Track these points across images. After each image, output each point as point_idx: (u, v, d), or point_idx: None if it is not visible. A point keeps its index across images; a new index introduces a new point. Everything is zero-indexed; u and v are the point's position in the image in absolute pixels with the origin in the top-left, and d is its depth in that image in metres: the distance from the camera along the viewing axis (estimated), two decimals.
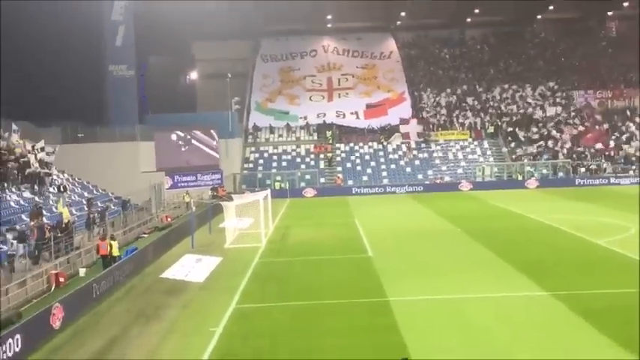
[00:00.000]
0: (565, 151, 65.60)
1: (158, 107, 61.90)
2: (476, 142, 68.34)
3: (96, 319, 20.28)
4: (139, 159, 49.54)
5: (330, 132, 69.77)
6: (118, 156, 47.20)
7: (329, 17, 74.24)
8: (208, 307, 20.97)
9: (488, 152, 67.28)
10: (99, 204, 37.48)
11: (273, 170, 65.36)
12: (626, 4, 75.75)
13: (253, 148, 69.05)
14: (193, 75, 76.14)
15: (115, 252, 26.80)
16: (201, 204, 46.08)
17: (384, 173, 64.82)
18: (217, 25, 66.43)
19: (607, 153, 64.88)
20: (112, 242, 27.21)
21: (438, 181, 62.36)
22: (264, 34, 76.82)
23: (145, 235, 36.71)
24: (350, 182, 63.49)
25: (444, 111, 72.61)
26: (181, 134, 53.28)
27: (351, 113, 71.28)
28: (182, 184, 49.76)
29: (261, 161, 67.35)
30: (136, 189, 44.76)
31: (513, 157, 65.90)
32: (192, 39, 74.02)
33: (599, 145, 65.83)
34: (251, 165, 66.83)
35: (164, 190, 48.82)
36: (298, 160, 67.28)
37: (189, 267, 26.88)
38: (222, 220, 36.13)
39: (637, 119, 69.33)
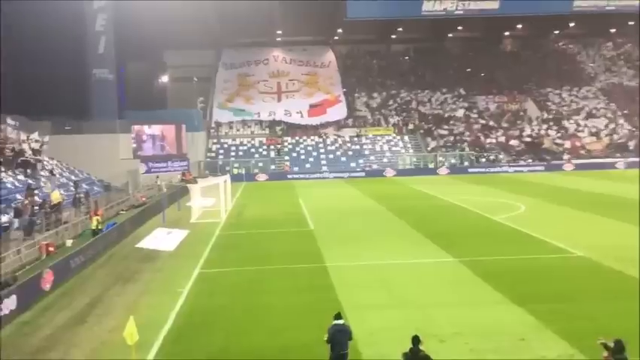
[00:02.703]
0: (469, 144, 66.62)
1: (135, 104, 60.72)
2: (399, 137, 68.92)
3: (81, 282, 19.93)
4: (119, 148, 48.57)
5: (280, 127, 69.67)
6: (101, 146, 46.17)
7: (279, 32, 73.83)
8: (177, 272, 20.78)
9: (409, 145, 67.92)
10: (84, 186, 36.77)
11: (232, 158, 64.90)
12: (519, 25, 77.08)
13: (215, 140, 68.45)
14: (165, 78, 74.89)
15: (94, 225, 26.46)
16: (171, 186, 45.55)
17: (324, 162, 64.93)
18: (186, 37, 65.62)
19: (502, 146, 66.08)
20: (96, 217, 26.79)
21: (367, 169, 62.77)
22: (225, 45, 76.02)
23: (124, 212, 36.16)
24: (296, 169, 63.43)
25: (373, 111, 73.05)
26: (155, 127, 52.45)
27: (297, 112, 71.10)
28: (155, 170, 49.08)
29: (221, 151, 66.83)
30: (116, 173, 44.08)
31: (428, 149, 66.67)
32: (164, 48, 72.84)
33: (495, 140, 67.02)
34: (213, 154, 66.24)
35: (140, 174, 48.12)
36: (252, 150, 66.98)
37: (160, 238, 26.42)
38: (189, 200, 35.77)
39: (526, 119, 70.84)
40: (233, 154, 66.30)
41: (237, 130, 70.47)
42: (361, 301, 16.58)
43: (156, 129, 52.76)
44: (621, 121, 69.75)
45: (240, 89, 73.61)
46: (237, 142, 68.46)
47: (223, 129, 70.21)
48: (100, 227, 26.53)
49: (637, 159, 61.64)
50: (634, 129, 67.39)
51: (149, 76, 73.00)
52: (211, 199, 35.32)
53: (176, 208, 37.46)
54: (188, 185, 39.60)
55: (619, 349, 9.47)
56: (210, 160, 64.72)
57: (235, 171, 60.95)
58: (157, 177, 48.38)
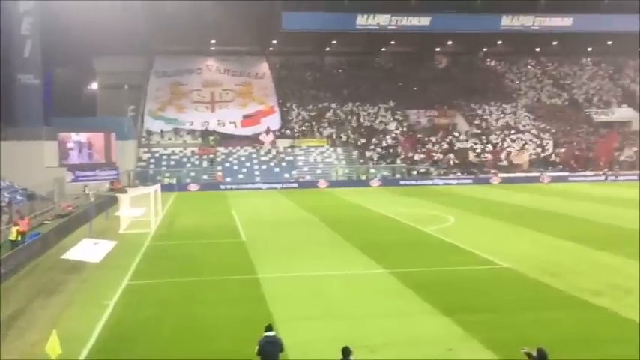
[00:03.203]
0: (401, 157, 67.75)
1: (62, 111, 59.01)
2: (332, 149, 69.47)
3: (2, 294, 19.15)
4: (44, 156, 47.10)
5: (213, 137, 69.10)
6: (25, 153, 44.61)
7: (213, 41, 73.39)
8: (104, 283, 20.24)
9: (342, 157, 68.54)
10: (6, 194, 35.43)
11: (163, 168, 63.88)
12: (449, 42, 79.16)
13: (146, 149, 67.23)
14: (94, 85, 73.12)
15: (13, 236, 25.52)
16: (99, 195, 44.41)
17: (257, 173, 64.72)
18: (116, 43, 64.21)
19: (433, 159, 67.51)
20: (15, 227, 25.85)
21: (300, 180, 62.92)
22: (157, 52, 74.95)
23: (48, 222, 34.99)
24: (228, 179, 62.95)
25: (307, 122, 73.40)
26: (82, 135, 51.13)
27: (230, 122, 70.72)
28: (82, 179, 47.88)
29: (152, 160, 65.70)
30: (41, 182, 42.66)
31: (361, 161, 67.44)
32: (93, 53, 71.01)
33: (425, 154, 68.40)
34: (144, 163, 65.03)
35: (66, 183, 46.76)
36: (184, 160, 66.12)
37: (87, 249, 25.66)
38: (118, 210, 34.96)
39: (456, 134, 72.67)
40: (164, 163, 65.26)
41: (169, 140, 69.45)
42: (293, 312, 16.56)
43: (84, 137, 51.50)
44: (545, 136, 72.44)
45: (173, 98, 72.66)
46: (169, 151, 67.44)
47: (155, 138, 69.05)
48: (20, 238, 25.58)
49: (560, 173, 64.18)
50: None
51: (77, 82, 71.06)
52: (141, 209, 34.63)
53: (104, 218, 36.53)
54: (117, 195, 38.71)
55: (541, 358, 9.81)
56: (140, 169, 63.50)
57: (166, 181, 59.97)
58: (85, 186, 47.14)
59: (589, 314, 15.86)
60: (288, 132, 70.88)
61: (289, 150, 68.46)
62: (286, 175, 64.26)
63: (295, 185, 61.22)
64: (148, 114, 70.14)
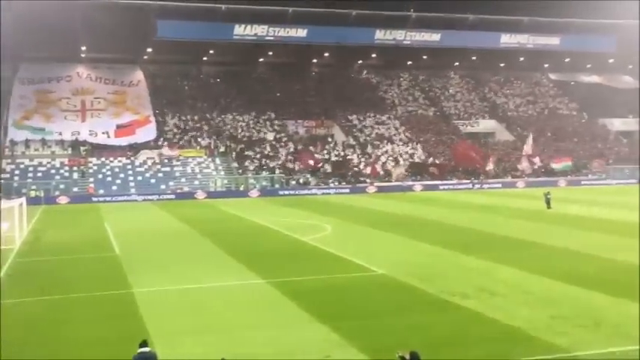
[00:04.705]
0: (280, 167, 68.15)
1: None
2: (210, 159, 68.71)
3: None
4: None
5: (84, 148, 66.38)
6: None
7: (83, 48, 70.46)
8: None
9: (220, 167, 67.96)
10: None
11: (29, 180, 60.55)
12: (326, 54, 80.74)
13: (10, 160, 63.40)
14: None
15: None
16: None
17: (132, 184, 62.80)
18: None
19: (310, 169, 68.39)
20: None
21: (178, 191, 61.69)
22: (22, 58, 70.98)
23: None
24: (101, 191, 60.65)
25: (184, 132, 72.18)
26: None
27: (103, 132, 68.25)
28: None
29: (17, 172, 62.08)
30: None
31: (240, 171, 67.17)
32: None
33: (304, 164, 69.20)
34: (7, 175, 61.25)
35: None
36: (53, 171, 63.05)
37: None
38: None
39: (332, 144, 74.11)
40: (30, 175, 61.86)
41: (36, 150, 65.96)
42: (170, 327, 16.13)
43: None
44: (417, 146, 75.47)
45: (39, 106, 69.04)
46: (36, 162, 64.01)
47: (19, 148, 65.35)
48: None
49: (432, 182, 67.02)
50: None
51: None
52: (4, 224, 32.50)
53: None
54: None
55: None
56: (4, 181, 59.68)
57: (33, 193, 56.89)
58: None
59: (459, 316, 16.59)
60: (163, 142, 69.29)
61: (166, 161, 66.94)
62: (163, 187, 62.80)
63: (173, 197, 59.94)
64: (12, 123, 66.28)
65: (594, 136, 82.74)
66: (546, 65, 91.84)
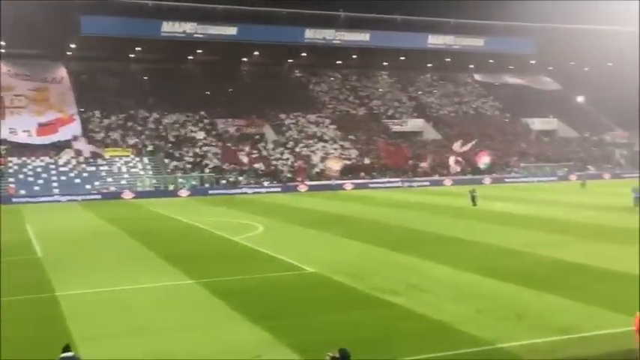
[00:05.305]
0: (210, 166, 67.41)
1: None
2: (138, 158, 67.27)
3: None
4: None
5: (4, 147, 63.81)
6: None
7: (2, 43, 67.69)
8: None
9: (148, 167, 66.65)
10: None
11: None
12: (256, 52, 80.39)
13: None
14: None
15: None
16: None
17: (55, 184, 60.79)
18: None
19: (241, 168, 67.97)
20: None
21: (104, 191, 60.14)
22: None
23: None
24: (22, 192, 58.46)
25: (110, 131, 70.42)
26: None
27: (24, 131, 65.82)
28: None
29: None
30: None
31: (168, 170, 66.07)
32: None
33: (234, 163, 68.73)
34: None
35: None
36: None
37: None
38: None
39: (263, 143, 73.84)
40: None
41: None
42: (95, 330, 15.65)
43: None
44: (348, 145, 76.09)
45: None
46: None
47: None
48: None
49: (363, 181, 67.72)
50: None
51: None
52: None
53: None
54: None
55: (344, 358, 10.19)
56: None
57: None
58: None
59: (389, 312, 16.78)
60: (89, 141, 67.40)
61: (91, 160, 65.11)
62: (88, 187, 61.09)
63: (98, 197, 58.44)
64: None
65: (517, 135, 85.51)
66: (471, 66, 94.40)
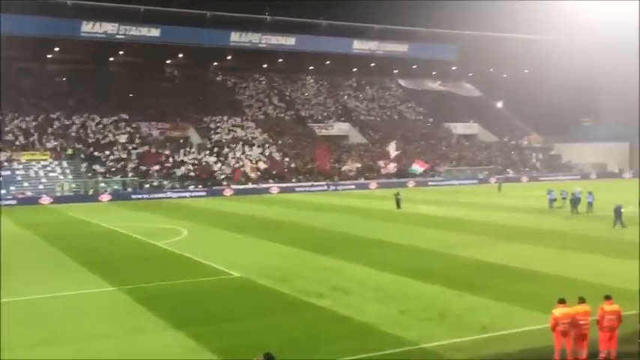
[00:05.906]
0: (132, 170, 65.92)
1: None
2: (56, 162, 65.04)
3: None
4: None
5: None
6: None
7: None
8: None
9: (68, 171, 64.55)
10: None
11: None
12: (180, 55, 79.31)
13: None
14: None
15: None
16: None
17: None
18: None
19: (165, 172, 66.80)
20: None
21: (20, 196, 57.83)
22: None
23: None
24: None
25: (26, 134, 67.82)
26: None
27: None
28: None
29: None
30: None
31: (89, 175, 64.22)
32: None
33: (158, 166, 67.49)
34: None
35: None
36: None
37: None
38: None
39: (187, 147, 72.82)
40: None
41: None
42: (11, 341, 15.02)
43: None
44: (273, 149, 76.00)
45: None
46: None
47: None
48: None
49: (288, 184, 67.76)
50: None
51: None
52: None
53: None
54: None
55: None
56: None
57: None
58: None
59: (314, 315, 16.90)
60: (3, 145, 64.68)
61: (6, 164, 62.48)
62: (3, 192, 58.52)
63: (14, 202, 56.09)
64: None
65: (439, 139, 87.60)
66: (395, 71, 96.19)
